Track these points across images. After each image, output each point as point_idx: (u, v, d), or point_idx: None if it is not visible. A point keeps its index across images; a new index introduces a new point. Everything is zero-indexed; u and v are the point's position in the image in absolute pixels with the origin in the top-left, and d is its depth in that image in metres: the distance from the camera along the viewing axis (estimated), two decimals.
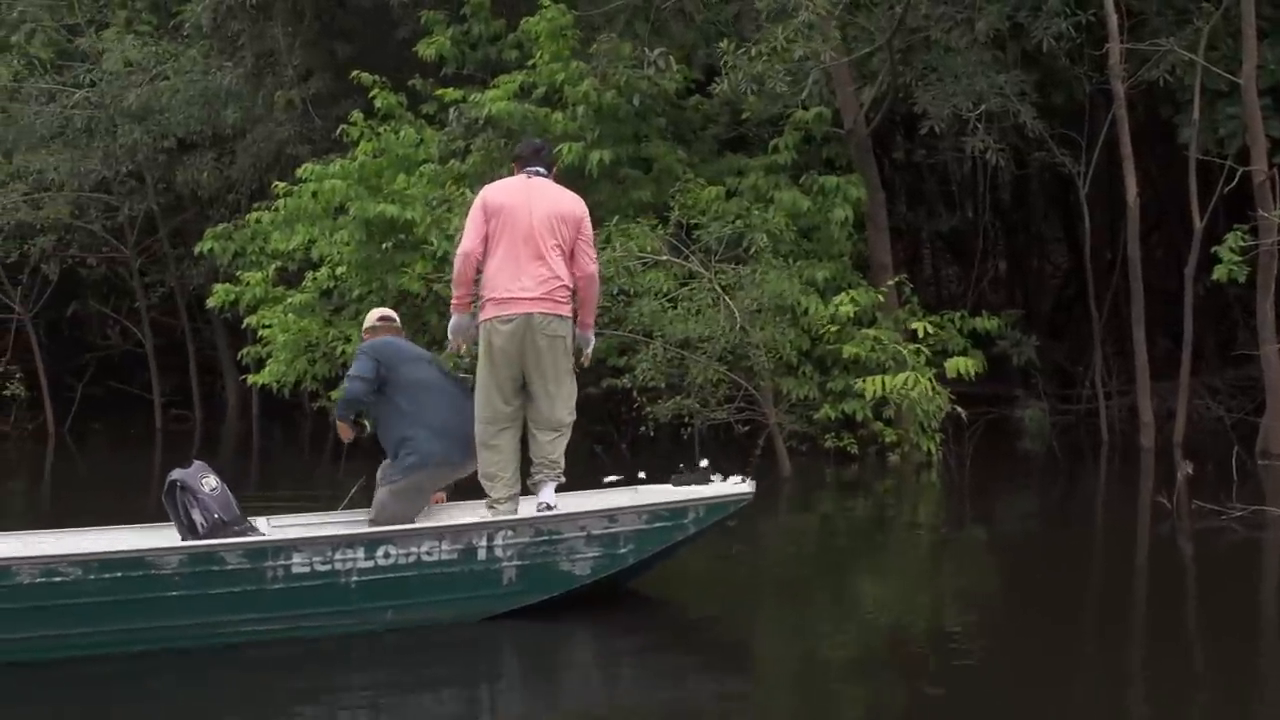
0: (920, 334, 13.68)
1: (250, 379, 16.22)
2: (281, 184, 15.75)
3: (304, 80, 17.88)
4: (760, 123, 15.37)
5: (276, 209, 15.61)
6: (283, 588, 6.99)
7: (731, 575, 9.08)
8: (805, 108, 14.63)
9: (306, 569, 7.01)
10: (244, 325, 16.23)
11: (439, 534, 7.29)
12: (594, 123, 14.81)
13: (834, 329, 13.82)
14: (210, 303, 16.57)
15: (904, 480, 13.65)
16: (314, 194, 15.28)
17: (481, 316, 7.60)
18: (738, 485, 7.90)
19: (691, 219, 13.83)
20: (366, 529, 7.54)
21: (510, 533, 7.38)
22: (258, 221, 16.13)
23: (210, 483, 7.41)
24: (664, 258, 12.84)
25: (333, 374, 15.21)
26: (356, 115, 15.68)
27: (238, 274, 16.32)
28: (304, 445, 18.28)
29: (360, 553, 7.11)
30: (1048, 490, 13.58)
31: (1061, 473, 14.52)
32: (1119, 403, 16.82)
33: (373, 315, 8.48)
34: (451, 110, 15.40)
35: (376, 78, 15.89)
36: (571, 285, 7.61)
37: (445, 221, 14.35)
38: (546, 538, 7.43)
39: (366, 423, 8.23)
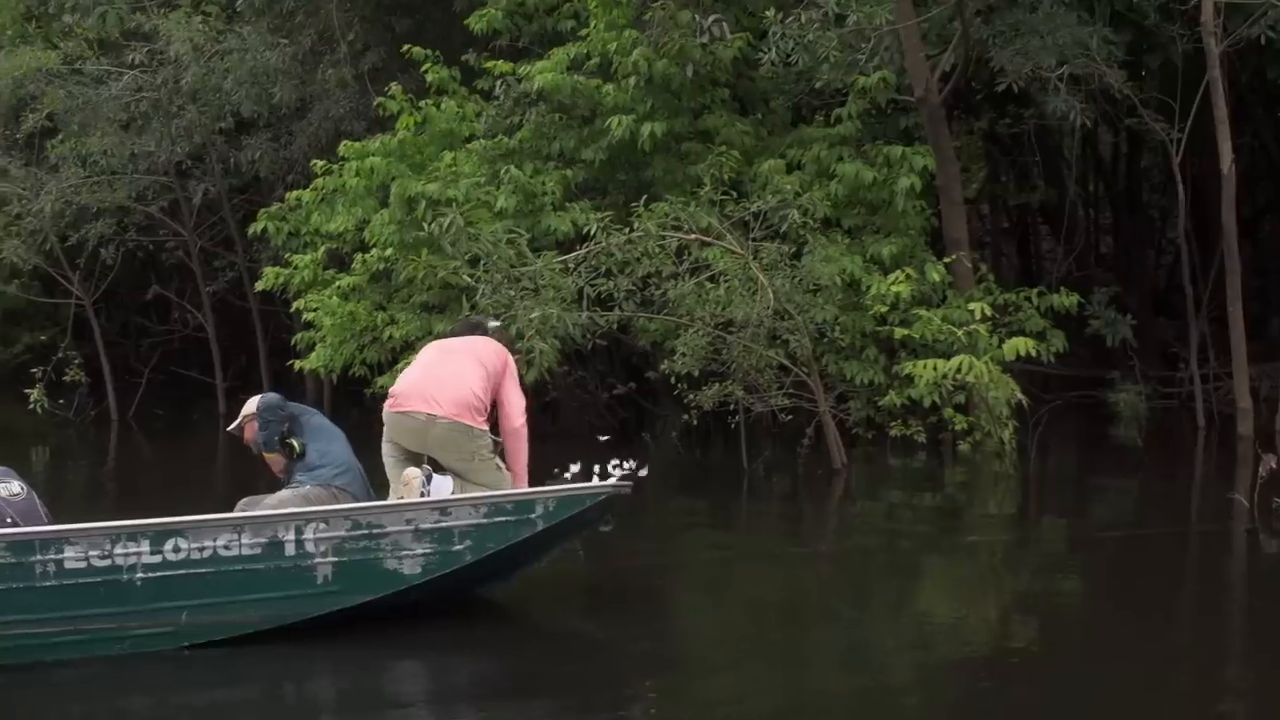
0: (979, 314, 13.05)
1: (298, 364, 16.14)
2: (321, 162, 15.58)
3: (360, 56, 17.71)
4: (832, 93, 14.84)
5: (315, 188, 15.43)
6: (54, 585, 6.52)
7: (754, 577, 8.68)
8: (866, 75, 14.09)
9: (82, 564, 6.55)
10: (292, 309, 16.10)
11: (237, 526, 6.82)
12: (646, 94, 14.41)
13: (884, 309, 13.25)
14: (259, 286, 16.51)
15: (975, 471, 13.10)
16: (356, 172, 15.06)
17: None
18: (611, 482, 7.39)
19: (724, 194, 13.24)
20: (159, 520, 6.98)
21: (323, 525, 6.91)
22: (298, 201, 15.97)
23: (11, 488, 6.93)
24: (693, 236, 12.35)
25: (382, 360, 15.04)
26: (396, 89, 15.45)
27: (286, 256, 16.21)
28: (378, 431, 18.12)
29: (145, 546, 6.64)
30: (1126, 482, 12.94)
31: (1146, 462, 13.84)
32: (1221, 387, 16.04)
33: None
34: (499, 84, 15.11)
35: (429, 52, 15.65)
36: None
37: (491, 201, 14.10)
38: (366, 531, 6.95)
39: (295, 443, 7.86)
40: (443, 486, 7.41)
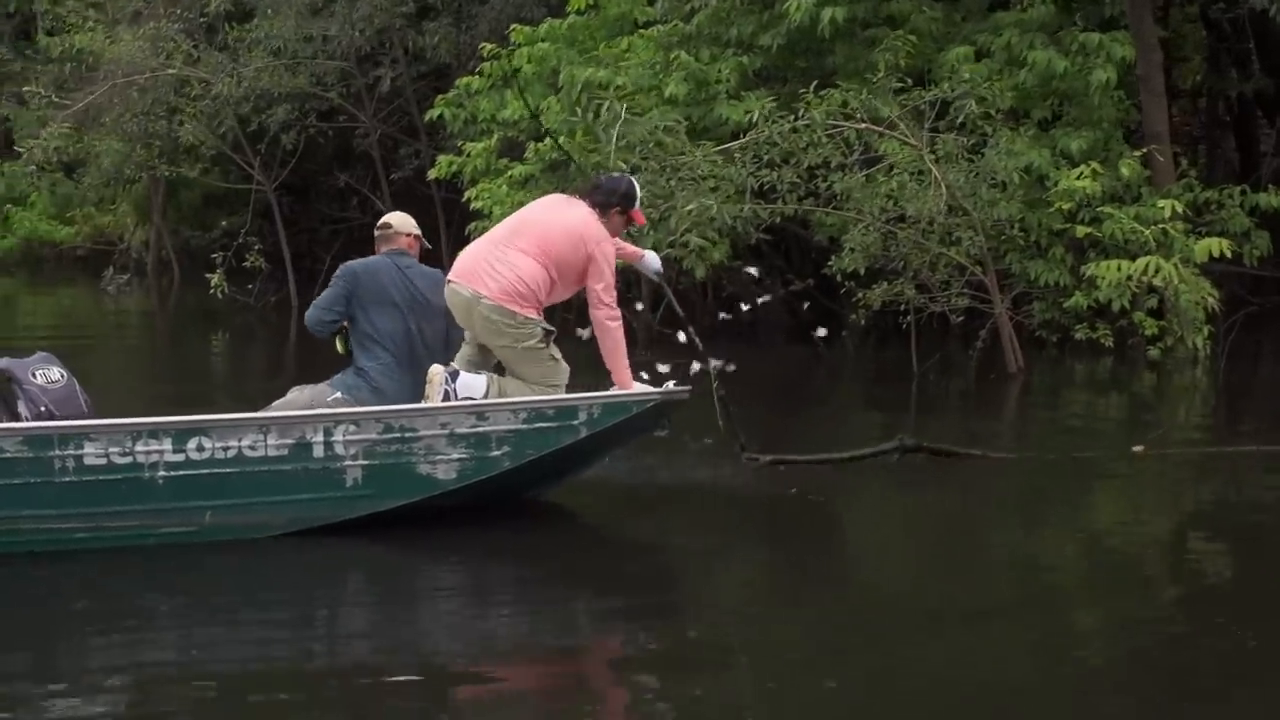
0: (1170, 213, 12.49)
1: None
2: (490, 46, 15.56)
3: None
4: None
5: (484, 74, 15.44)
6: (74, 480, 6.48)
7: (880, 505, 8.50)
8: None
9: (102, 460, 6.50)
10: (464, 198, 16.23)
11: (263, 426, 6.74)
12: None
13: (1070, 206, 12.77)
14: (432, 174, 16.65)
15: (1165, 379, 12.66)
16: (528, 59, 15.02)
17: None
18: (665, 388, 7.23)
19: (899, 82, 12.83)
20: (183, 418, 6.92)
21: (353, 427, 6.79)
22: (466, 86, 16.01)
23: (50, 374, 6.83)
24: (863, 125, 12.02)
25: None
26: None
27: (460, 144, 16.31)
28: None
29: (167, 444, 6.58)
30: None
31: None
32: None
33: (383, 220, 7.84)
34: None
35: None
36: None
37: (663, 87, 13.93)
38: (398, 435, 6.83)
39: (339, 342, 7.58)
40: (472, 385, 7.11)
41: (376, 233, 7.72)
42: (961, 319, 12.80)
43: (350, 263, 7.69)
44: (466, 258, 7.35)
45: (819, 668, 5.31)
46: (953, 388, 12.38)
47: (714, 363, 8.09)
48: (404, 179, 21.25)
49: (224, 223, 23.26)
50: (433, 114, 17.20)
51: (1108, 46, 13.44)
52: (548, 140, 15.05)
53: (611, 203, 7.46)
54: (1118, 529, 7.75)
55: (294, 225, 22.35)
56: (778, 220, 12.89)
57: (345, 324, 7.47)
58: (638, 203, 7.61)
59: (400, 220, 7.74)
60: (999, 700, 5.02)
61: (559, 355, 7.34)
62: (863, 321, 13.10)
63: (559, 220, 7.36)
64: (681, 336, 8.29)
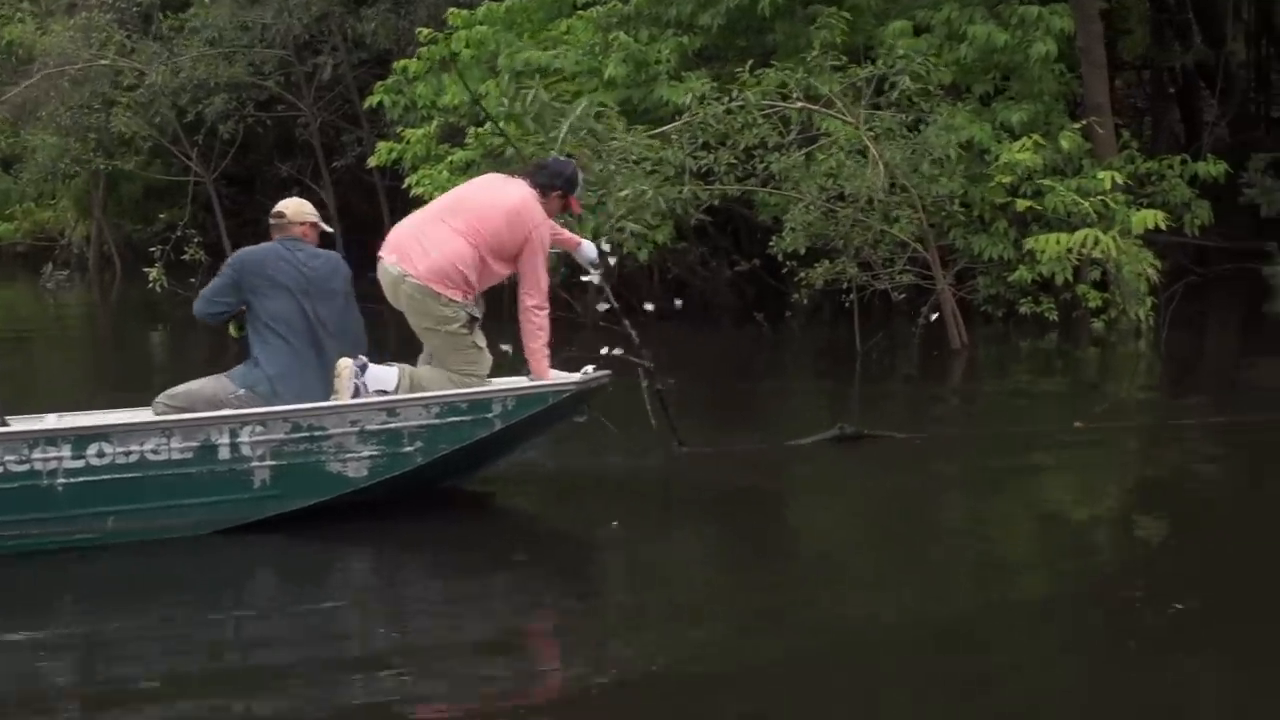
0: (1109, 184, 12.55)
1: None
2: (426, 30, 15.48)
3: None
4: None
5: (421, 58, 15.36)
6: None
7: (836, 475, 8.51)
8: None
9: None
10: (404, 185, 16.15)
11: (166, 429, 6.61)
12: None
13: (1010, 179, 12.81)
14: (371, 161, 16.56)
15: (1110, 351, 12.74)
16: (466, 43, 14.95)
17: None
18: (579, 376, 7.13)
19: (834, 60, 12.83)
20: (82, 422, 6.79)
21: (260, 428, 6.67)
22: (403, 70, 15.92)
23: None
24: (798, 104, 12.01)
25: None
26: None
27: (399, 131, 16.22)
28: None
29: (66, 451, 6.45)
30: (1264, 360, 12.43)
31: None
32: None
33: (276, 208, 7.59)
34: None
35: None
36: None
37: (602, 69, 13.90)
38: (306, 434, 6.72)
39: (233, 327, 7.38)
40: (383, 377, 7.02)
41: (271, 221, 7.50)
42: (904, 296, 12.79)
43: (238, 250, 7.57)
44: (398, 233, 7.24)
45: (749, 657, 5.29)
46: (897, 365, 12.41)
47: (646, 358, 8.01)
48: (347, 167, 21.14)
49: (161, 216, 23.09)
50: (372, 101, 17.11)
51: (1047, 19, 13.47)
52: (488, 125, 14.98)
53: (555, 185, 7.36)
54: (1058, 502, 7.79)
55: (237, 216, 22.19)
56: (717, 202, 12.89)
57: (243, 308, 7.25)
58: (578, 191, 7.52)
59: (294, 208, 7.53)
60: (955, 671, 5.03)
61: (483, 344, 7.21)
62: (805, 301, 13.09)
63: (497, 199, 7.24)
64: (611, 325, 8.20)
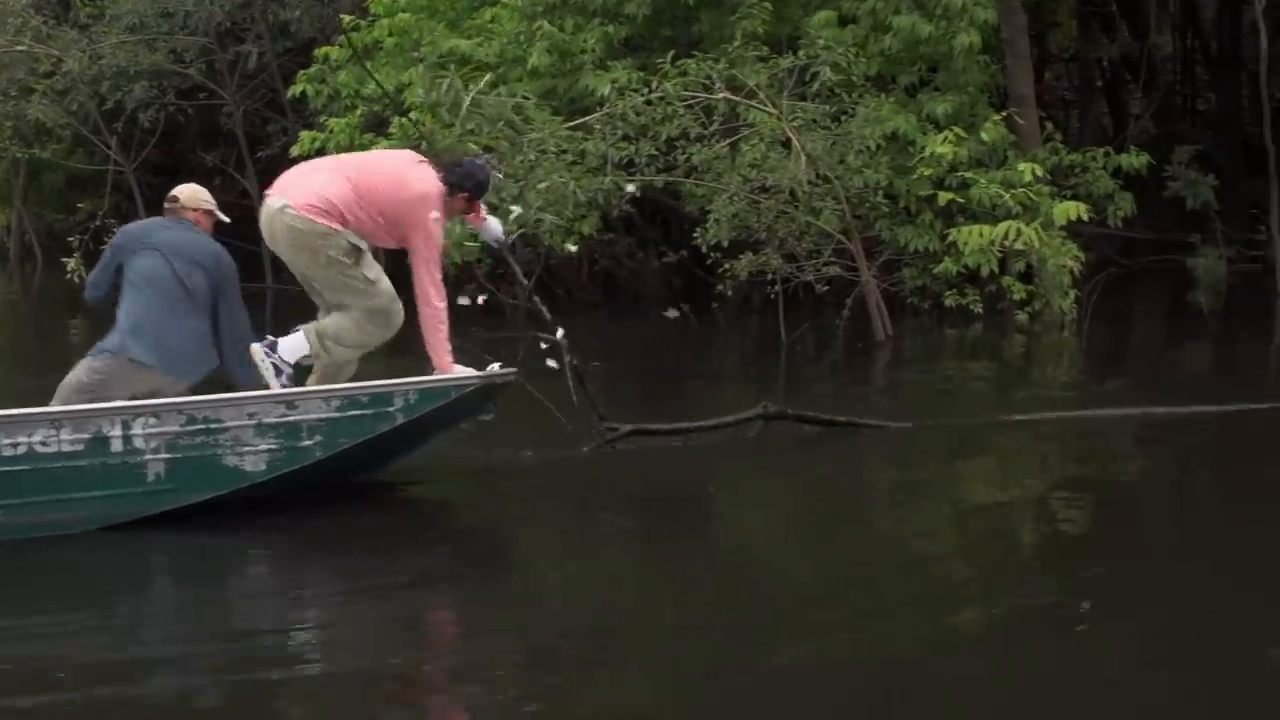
0: (1029, 176, 12.62)
1: None
2: (349, 17, 15.35)
3: None
4: None
5: (343, 45, 15.22)
6: None
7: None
8: None
9: None
10: None
11: (56, 421, 6.47)
12: None
13: (931, 171, 12.85)
14: (294, 150, 16.35)
15: (1033, 342, 12.83)
16: (389, 30, 14.83)
17: None
18: (485, 371, 7.09)
19: (755, 50, 12.81)
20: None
21: (153, 420, 6.56)
22: (325, 60, 15.77)
23: None
24: (720, 95, 11.98)
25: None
26: None
27: (322, 120, 16.08)
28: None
29: None
30: (1196, 354, 12.59)
31: (1220, 331, 13.46)
32: None
33: (171, 193, 7.59)
34: None
35: None
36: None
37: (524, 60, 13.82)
38: (203, 426, 6.62)
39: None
40: (293, 346, 6.97)
41: (165, 205, 7.49)
42: (828, 288, 12.79)
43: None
44: (284, 174, 7.30)
45: (667, 649, 5.27)
46: (821, 357, 12.43)
47: (560, 332, 7.96)
48: (272, 157, 20.87)
49: (79, 205, 22.76)
50: (295, 90, 16.94)
51: (971, 10, 13.52)
52: (412, 115, 14.87)
53: (464, 187, 7.30)
54: (980, 493, 7.84)
55: (160, 206, 21.78)
56: (639, 194, 12.84)
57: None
58: (485, 196, 7.52)
59: (189, 193, 7.51)
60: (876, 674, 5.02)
61: (376, 275, 7.07)
62: (730, 293, 13.07)
63: (392, 166, 7.28)
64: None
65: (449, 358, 7.15)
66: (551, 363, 8.04)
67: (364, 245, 7.04)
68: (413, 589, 6.11)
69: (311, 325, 7.11)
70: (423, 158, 7.51)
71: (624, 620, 5.62)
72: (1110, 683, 4.83)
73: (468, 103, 11.42)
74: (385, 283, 7.13)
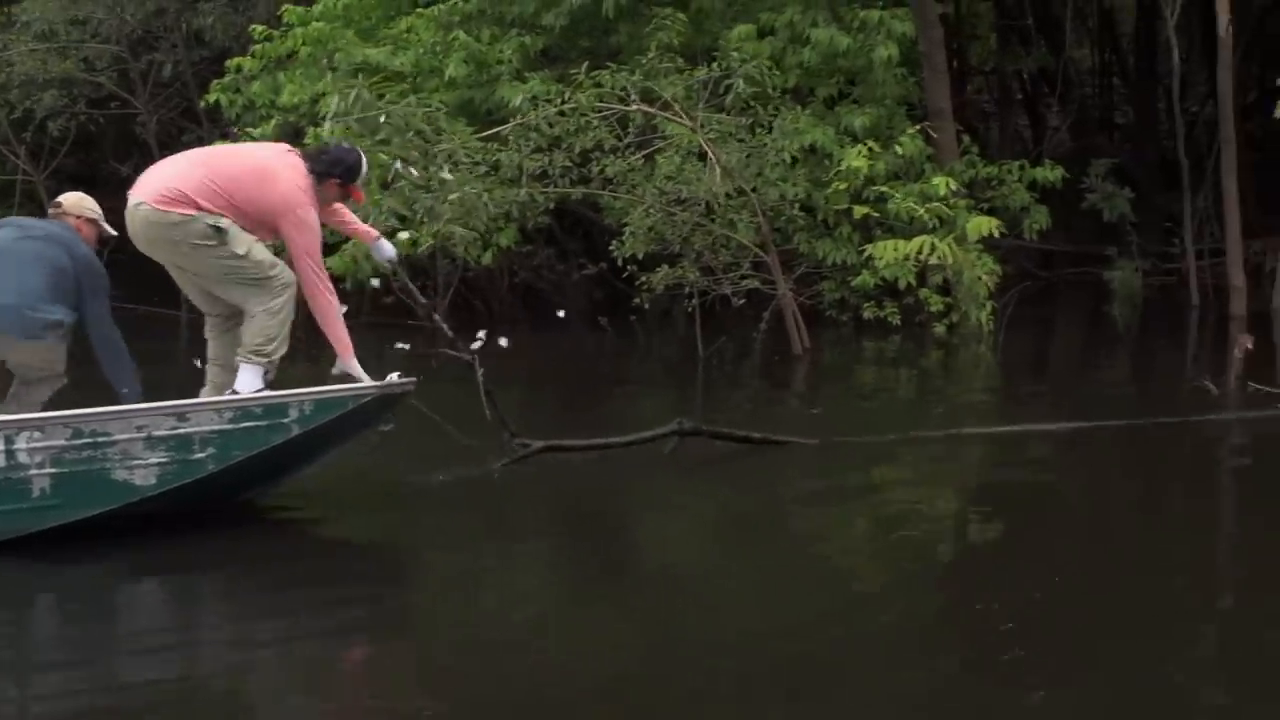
0: (943, 190, 12.69)
1: None
2: (260, 27, 15.20)
3: None
4: None
5: (255, 55, 15.08)
6: None
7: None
8: None
9: None
10: None
11: None
12: None
13: (846, 185, 12.88)
14: None
15: (950, 354, 12.90)
16: (303, 40, 14.69)
17: None
18: (383, 381, 6.96)
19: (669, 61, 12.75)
20: None
21: (38, 434, 6.40)
22: (237, 69, 15.62)
23: None
24: (634, 107, 11.93)
25: (335, 241, 14.76)
26: None
27: (236, 130, 15.90)
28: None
29: None
30: (1109, 365, 12.70)
31: (1134, 343, 13.61)
32: (1220, 263, 15.71)
33: (56, 199, 7.45)
34: None
35: None
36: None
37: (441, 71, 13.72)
38: (89, 440, 6.45)
39: None
40: (247, 381, 6.89)
41: (49, 211, 7.34)
42: (744, 301, 12.77)
43: None
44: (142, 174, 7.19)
45: (578, 668, 5.22)
46: (739, 370, 12.41)
47: (474, 345, 7.88)
48: None
49: None
50: (208, 99, 16.74)
51: (888, 23, 13.60)
52: (326, 125, 14.73)
53: (333, 173, 7.17)
54: (894, 505, 7.82)
55: None
56: (552, 206, 12.79)
57: None
58: (360, 179, 7.33)
59: (74, 200, 7.33)
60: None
61: (245, 248, 6.87)
62: (648, 305, 13.02)
63: (256, 157, 7.25)
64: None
65: (349, 349, 7.09)
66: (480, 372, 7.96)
67: (224, 225, 6.83)
68: (319, 623, 5.94)
69: (239, 351, 7.00)
70: (291, 148, 7.44)
71: (536, 638, 5.56)
72: (1028, 686, 4.85)
73: (383, 117, 11.19)
74: (258, 251, 6.97)
